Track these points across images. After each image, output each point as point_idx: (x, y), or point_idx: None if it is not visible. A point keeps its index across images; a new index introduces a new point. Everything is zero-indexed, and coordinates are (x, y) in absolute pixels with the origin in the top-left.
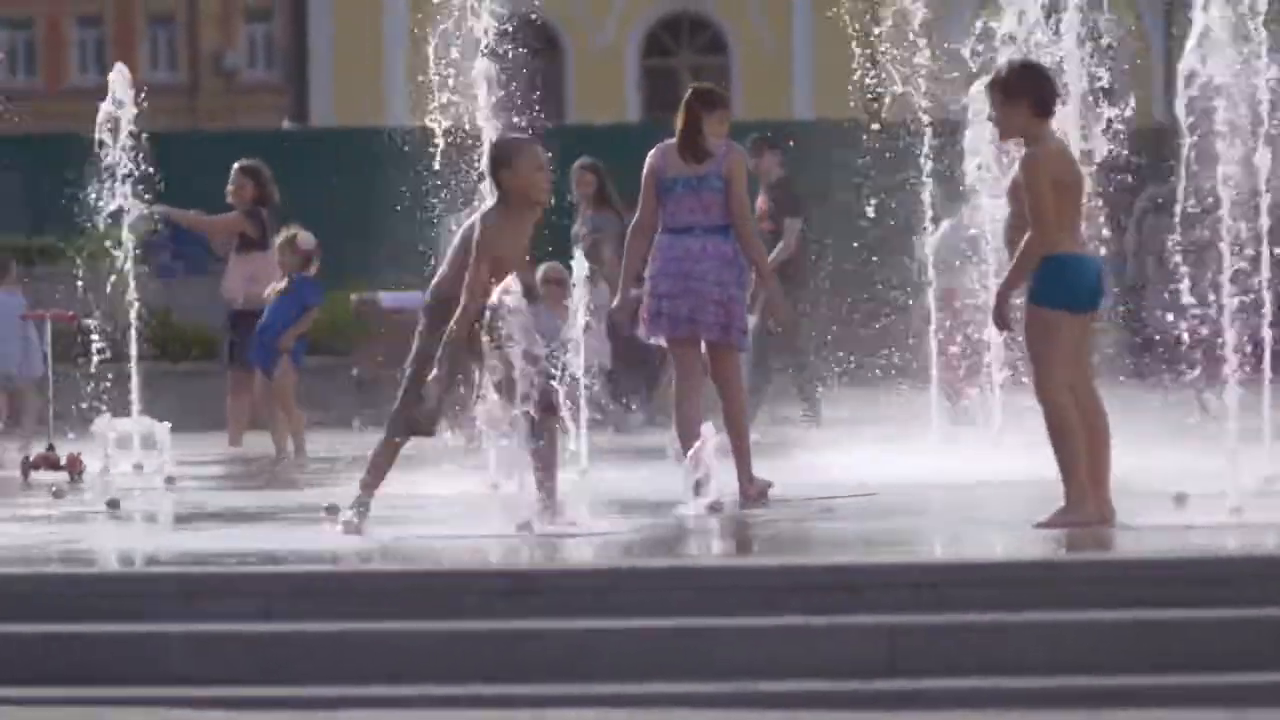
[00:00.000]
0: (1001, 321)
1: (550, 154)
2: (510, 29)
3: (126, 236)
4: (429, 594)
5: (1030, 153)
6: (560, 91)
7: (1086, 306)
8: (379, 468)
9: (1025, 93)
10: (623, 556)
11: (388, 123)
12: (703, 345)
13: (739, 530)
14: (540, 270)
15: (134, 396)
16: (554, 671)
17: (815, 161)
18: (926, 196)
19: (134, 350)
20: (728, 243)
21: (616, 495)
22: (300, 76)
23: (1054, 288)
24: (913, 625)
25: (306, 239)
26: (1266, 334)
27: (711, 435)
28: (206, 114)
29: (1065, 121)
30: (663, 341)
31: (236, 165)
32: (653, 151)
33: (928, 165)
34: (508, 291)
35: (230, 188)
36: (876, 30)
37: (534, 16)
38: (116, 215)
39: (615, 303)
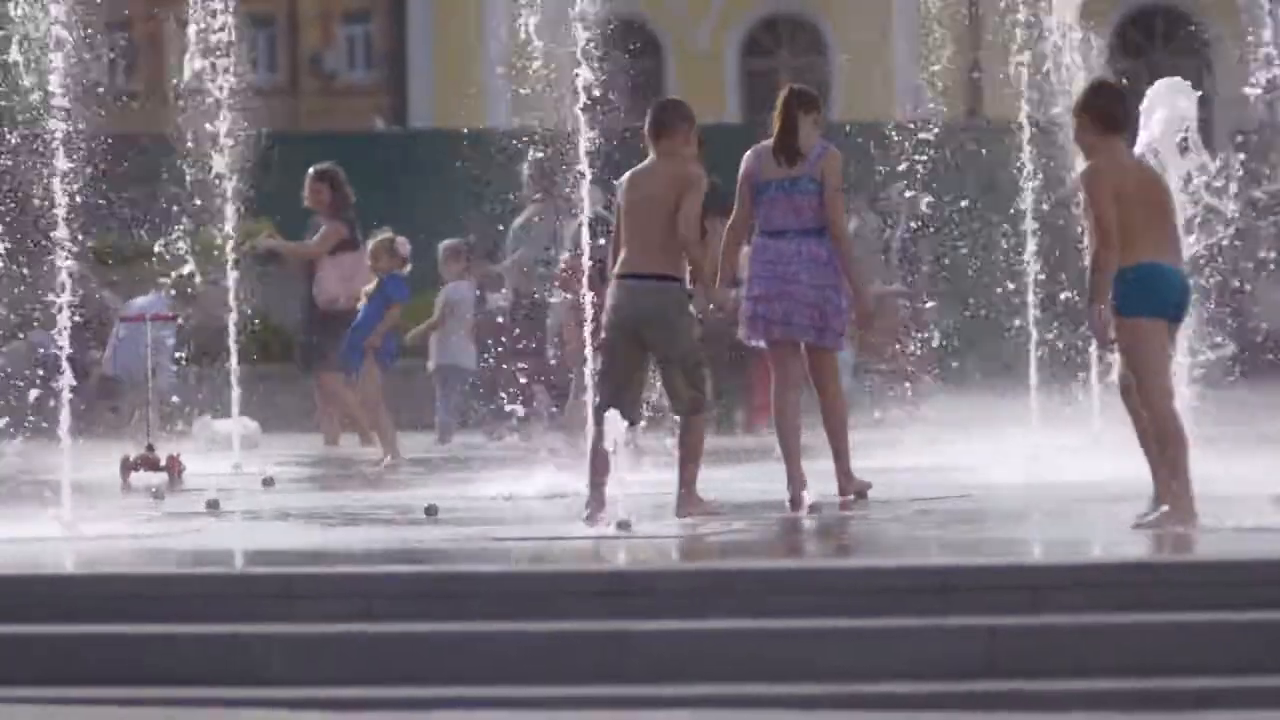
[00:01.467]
0: (1100, 337)
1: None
2: (610, 30)
3: (232, 241)
4: (528, 595)
5: (1089, 167)
6: (660, 92)
7: (1166, 314)
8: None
9: (1089, 109)
10: (721, 558)
11: (486, 125)
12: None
13: (837, 532)
14: None
15: (233, 397)
16: (652, 673)
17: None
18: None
19: (232, 351)
20: (822, 245)
21: (718, 496)
22: (399, 78)
23: (1130, 296)
24: (1011, 627)
25: (404, 243)
26: None
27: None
28: (306, 116)
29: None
30: (761, 344)
31: (312, 170)
32: (747, 154)
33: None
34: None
35: (307, 193)
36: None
37: (633, 18)
38: (216, 218)
39: (711, 305)
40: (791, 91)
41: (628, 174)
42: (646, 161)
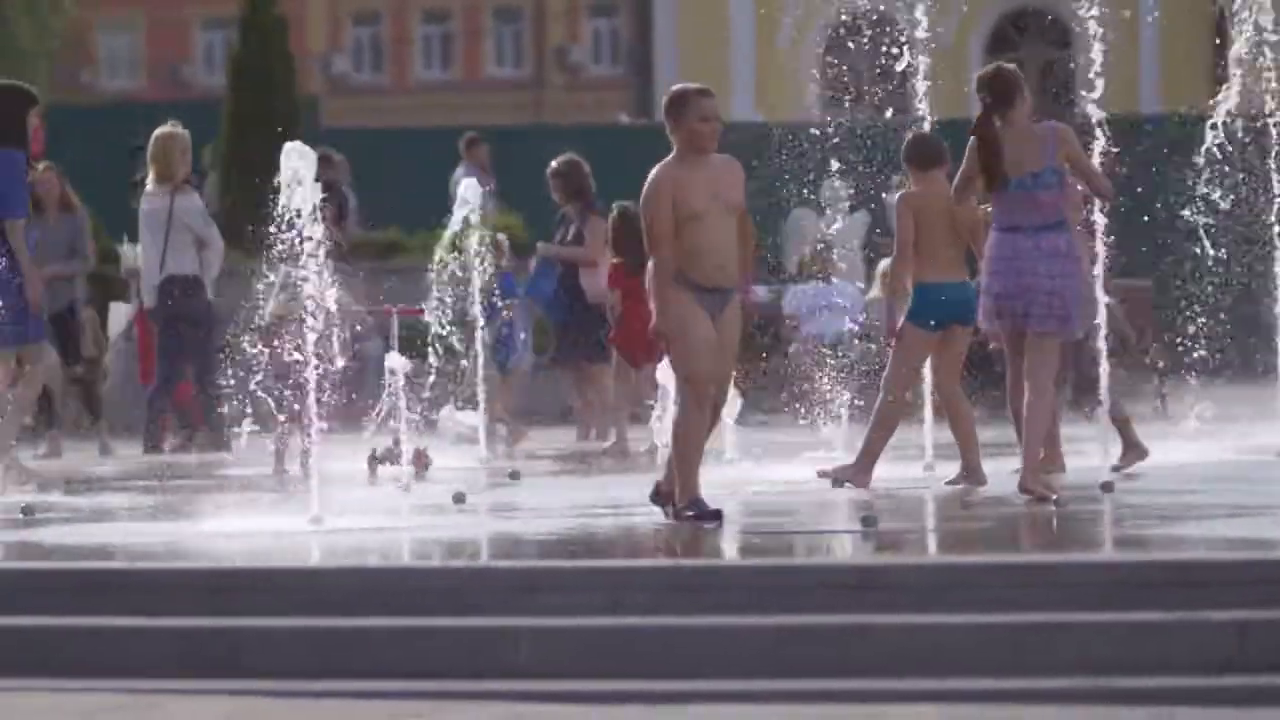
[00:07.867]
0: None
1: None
2: (855, 23)
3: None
4: (771, 589)
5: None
6: (905, 84)
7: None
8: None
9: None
10: (965, 551)
11: (732, 118)
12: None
13: (1084, 525)
14: None
15: (479, 391)
16: (896, 667)
17: (1160, 156)
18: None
19: (478, 344)
20: (1060, 237)
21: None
22: (645, 71)
23: None
24: (1262, 621)
25: (503, 240)
26: None
27: None
28: (551, 109)
29: None
30: (1001, 338)
31: (554, 163)
32: None
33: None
34: None
35: (555, 186)
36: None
37: (879, 11)
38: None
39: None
40: (982, 110)
41: None
42: None
